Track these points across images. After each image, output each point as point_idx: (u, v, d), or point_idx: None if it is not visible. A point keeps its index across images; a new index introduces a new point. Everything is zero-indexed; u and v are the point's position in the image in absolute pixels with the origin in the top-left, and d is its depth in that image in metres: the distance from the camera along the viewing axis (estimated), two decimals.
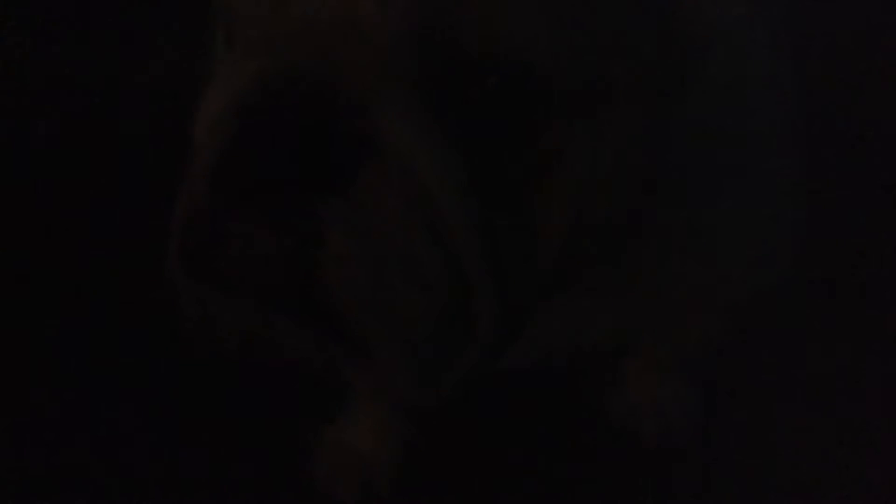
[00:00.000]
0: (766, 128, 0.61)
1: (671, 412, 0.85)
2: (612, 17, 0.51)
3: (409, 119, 0.49)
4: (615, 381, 0.85)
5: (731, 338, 0.74)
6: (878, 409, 0.82)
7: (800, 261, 0.64)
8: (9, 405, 0.85)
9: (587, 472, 0.81)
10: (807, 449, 0.81)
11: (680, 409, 0.85)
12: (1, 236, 0.91)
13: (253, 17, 0.50)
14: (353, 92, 0.48)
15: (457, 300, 0.50)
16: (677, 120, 0.54)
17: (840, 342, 0.84)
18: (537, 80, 0.49)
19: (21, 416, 0.84)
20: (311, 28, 0.49)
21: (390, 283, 0.49)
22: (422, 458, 0.82)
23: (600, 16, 0.51)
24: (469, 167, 0.50)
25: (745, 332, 0.75)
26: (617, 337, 0.69)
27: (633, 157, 0.53)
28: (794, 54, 0.66)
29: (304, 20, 0.49)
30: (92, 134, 0.96)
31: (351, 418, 0.84)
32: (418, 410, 0.78)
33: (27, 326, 0.88)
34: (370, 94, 0.48)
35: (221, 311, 0.51)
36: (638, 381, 0.86)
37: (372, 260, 0.48)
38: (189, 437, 0.83)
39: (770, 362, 0.84)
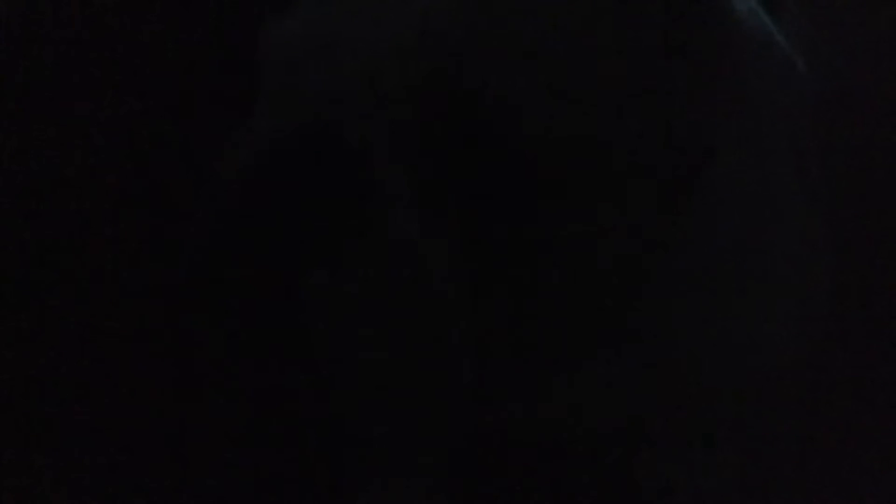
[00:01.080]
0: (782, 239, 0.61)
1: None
2: (616, 108, 0.52)
3: (417, 206, 0.49)
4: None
5: None
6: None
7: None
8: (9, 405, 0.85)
9: None
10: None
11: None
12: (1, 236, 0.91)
13: (285, 80, 0.51)
14: (369, 170, 0.49)
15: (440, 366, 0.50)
16: (681, 220, 0.54)
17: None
18: (538, 154, 0.50)
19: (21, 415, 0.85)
20: (339, 96, 0.49)
21: (380, 346, 0.49)
22: None
23: (602, 105, 0.51)
24: (467, 238, 0.50)
25: None
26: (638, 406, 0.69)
27: (631, 247, 0.53)
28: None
29: (332, 89, 0.49)
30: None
31: None
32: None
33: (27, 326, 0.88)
34: (384, 174, 0.49)
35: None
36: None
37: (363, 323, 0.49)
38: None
39: None
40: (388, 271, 0.52)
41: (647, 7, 0.54)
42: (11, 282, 0.86)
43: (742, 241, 0.60)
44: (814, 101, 0.73)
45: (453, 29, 0.51)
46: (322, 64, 0.53)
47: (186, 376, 0.68)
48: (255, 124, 0.55)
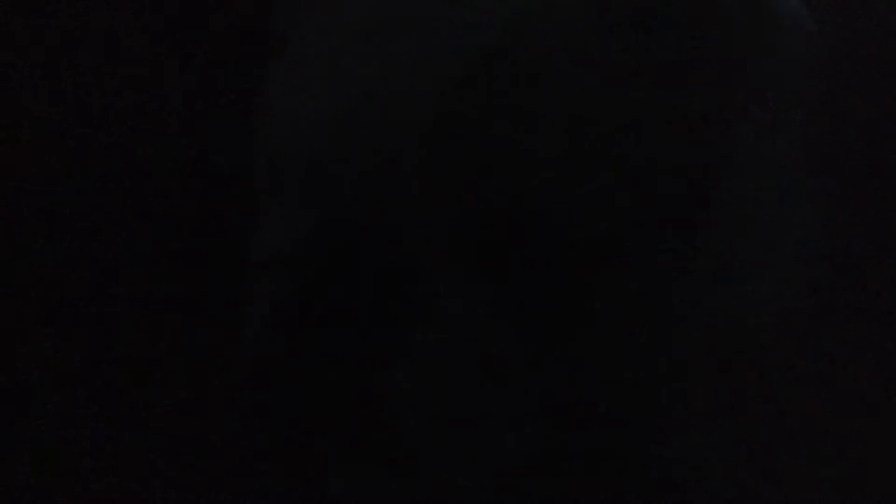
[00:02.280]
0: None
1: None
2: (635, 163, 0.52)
3: (463, 282, 0.50)
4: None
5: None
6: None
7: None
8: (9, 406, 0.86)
9: None
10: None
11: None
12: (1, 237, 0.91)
13: (311, 165, 0.50)
14: (411, 254, 0.49)
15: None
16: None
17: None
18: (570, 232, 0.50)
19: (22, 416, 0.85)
20: (372, 181, 0.49)
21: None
22: None
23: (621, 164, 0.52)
24: (517, 319, 0.50)
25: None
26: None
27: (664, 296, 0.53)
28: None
29: (364, 172, 0.49)
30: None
31: None
32: None
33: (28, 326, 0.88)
34: (427, 256, 0.49)
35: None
36: None
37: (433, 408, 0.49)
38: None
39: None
40: (452, 355, 0.52)
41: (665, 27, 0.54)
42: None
43: (749, 219, 0.60)
44: (823, 69, 0.75)
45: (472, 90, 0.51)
46: (330, 142, 0.53)
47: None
48: (273, 221, 0.54)
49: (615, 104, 0.53)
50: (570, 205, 0.52)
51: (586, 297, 0.53)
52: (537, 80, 0.50)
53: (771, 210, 0.60)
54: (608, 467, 0.56)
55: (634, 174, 0.53)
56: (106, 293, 0.82)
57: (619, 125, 0.53)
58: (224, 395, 0.69)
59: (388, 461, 0.53)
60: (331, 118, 0.52)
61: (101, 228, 0.82)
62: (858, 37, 0.85)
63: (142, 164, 0.78)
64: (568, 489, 0.55)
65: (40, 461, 0.82)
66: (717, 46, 0.56)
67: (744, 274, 0.60)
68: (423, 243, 0.51)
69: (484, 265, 0.52)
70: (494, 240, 0.52)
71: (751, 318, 0.61)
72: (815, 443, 0.82)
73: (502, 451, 0.53)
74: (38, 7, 0.82)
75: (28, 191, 0.84)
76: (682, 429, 0.60)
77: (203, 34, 0.77)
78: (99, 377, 0.83)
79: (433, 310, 0.51)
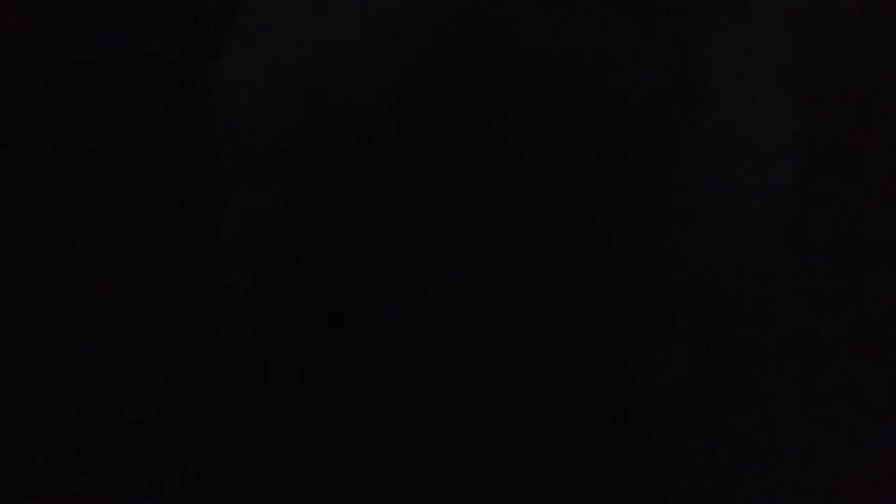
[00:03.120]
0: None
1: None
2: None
3: (439, 256, 0.49)
4: None
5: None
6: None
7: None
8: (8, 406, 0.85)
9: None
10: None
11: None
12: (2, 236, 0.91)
13: (274, 139, 0.49)
14: (385, 228, 0.48)
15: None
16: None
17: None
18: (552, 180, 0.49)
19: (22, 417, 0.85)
20: (340, 154, 0.48)
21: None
22: None
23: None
24: (500, 276, 0.49)
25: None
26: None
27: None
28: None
29: (331, 144, 0.48)
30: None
31: None
32: None
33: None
34: (400, 230, 0.48)
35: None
36: None
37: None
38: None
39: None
40: (431, 333, 0.51)
41: None
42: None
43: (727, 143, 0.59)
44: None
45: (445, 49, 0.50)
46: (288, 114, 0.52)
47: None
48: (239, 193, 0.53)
49: (585, 57, 0.51)
50: (542, 161, 0.51)
51: (564, 264, 0.52)
52: (504, 37, 0.49)
53: (746, 150, 0.59)
54: (594, 427, 0.56)
55: (605, 127, 0.52)
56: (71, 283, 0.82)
57: (589, 77, 0.51)
58: (199, 382, 0.68)
59: (367, 445, 0.53)
60: (290, 88, 0.51)
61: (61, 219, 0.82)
62: None
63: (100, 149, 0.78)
64: (556, 465, 0.54)
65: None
66: None
67: (719, 216, 0.58)
68: (396, 217, 0.50)
69: (458, 236, 0.51)
70: (469, 209, 0.51)
71: (727, 259, 0.60)
72: (793, 386, 0.81)
73: (486, 430, 0.53)
74: None
75: None
76: (662, 376, 0.60)
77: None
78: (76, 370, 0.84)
79: (409, 286, 0.50)
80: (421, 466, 0.56)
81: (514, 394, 0.54)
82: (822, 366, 0.83)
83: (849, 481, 0.81)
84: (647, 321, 0.58)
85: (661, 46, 0.54)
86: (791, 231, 0.76)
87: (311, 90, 0.50)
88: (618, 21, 0.52)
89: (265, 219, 0.52)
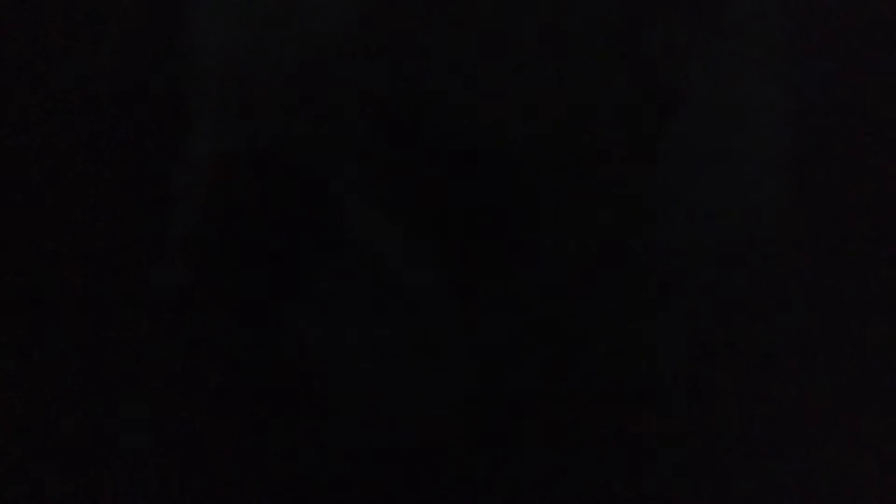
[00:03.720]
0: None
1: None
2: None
3: (376, 202, 0.48)
4: None
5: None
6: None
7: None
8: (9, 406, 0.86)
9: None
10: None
11: None
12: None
13: (217, 88, 0.49)
14: (322, 180, 0.48)
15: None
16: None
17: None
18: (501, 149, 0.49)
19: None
20: (279, 105, 0.48)
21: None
22: None
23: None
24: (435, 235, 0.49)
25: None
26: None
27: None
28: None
29: (271, 94, 0.48)
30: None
31: None
32: None
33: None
34: (338, 183, 0.48)
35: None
36: None
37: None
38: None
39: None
40: (368, 281, 0.51)
41: None
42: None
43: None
44: None
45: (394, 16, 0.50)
46: (247, 71, 0.52)
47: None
48: (191, 144, 0.53)
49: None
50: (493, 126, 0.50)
51: (509, 225, 0.52)
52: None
53: (739, 132, 0.58)
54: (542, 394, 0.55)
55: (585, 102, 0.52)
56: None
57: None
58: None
59: (298, 400, 0.52)
60: (235, 39, 0.51)
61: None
62: None
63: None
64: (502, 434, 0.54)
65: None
66: None
67: (712, 198, 0.58)
68: (333, 169, 0.49)
69: (398, 194, 0.50)
70: (409, 167, 0.50)
71: (720, 239, 0.60)
72: (789, 360, 0.81)
73: (422, 389, 0.52)
74: None
75: None
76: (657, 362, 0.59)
77: None
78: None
79: (345, 241, 0.49)
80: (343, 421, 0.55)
81: (450, 361, 0.54)
82: (822, 354, 0.82)
83: (850, 474, 0.81)
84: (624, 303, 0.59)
85: (650, 42, 0.53)
86: (788, 222, 0.75)
87: (261, 40, 0.50)
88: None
89: (209, 162, 0.52)
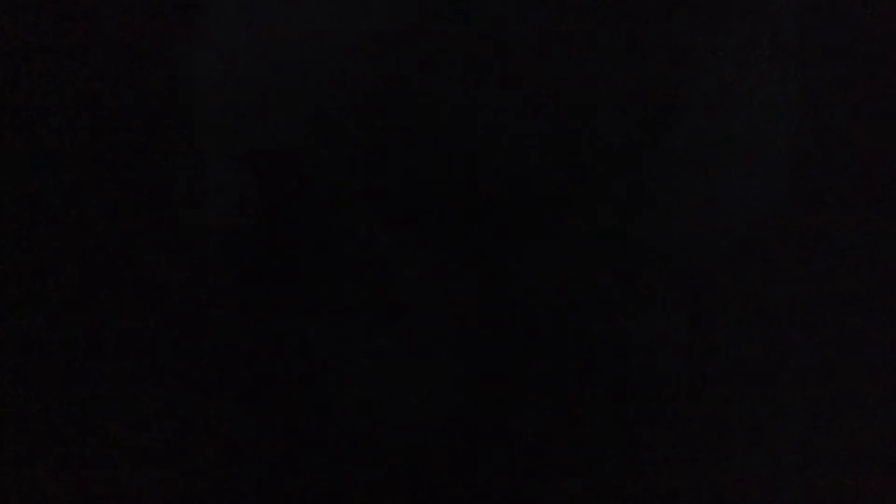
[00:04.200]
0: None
1: None
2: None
3: (392, 217, 0.49)
4: None
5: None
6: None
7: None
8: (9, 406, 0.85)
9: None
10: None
11: None
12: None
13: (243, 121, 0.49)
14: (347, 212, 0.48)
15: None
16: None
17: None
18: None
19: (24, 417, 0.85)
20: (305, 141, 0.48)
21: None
22: None
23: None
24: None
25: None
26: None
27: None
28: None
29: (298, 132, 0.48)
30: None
31: None
32: None
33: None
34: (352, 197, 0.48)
35: None
36: None
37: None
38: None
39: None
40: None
41: None
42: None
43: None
44: None
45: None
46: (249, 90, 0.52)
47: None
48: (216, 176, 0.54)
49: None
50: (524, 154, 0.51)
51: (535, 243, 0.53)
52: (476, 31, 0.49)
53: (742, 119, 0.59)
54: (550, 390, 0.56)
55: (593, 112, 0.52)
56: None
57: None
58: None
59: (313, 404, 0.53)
60: (260, 74, 0.51)
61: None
62: None
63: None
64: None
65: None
66: None
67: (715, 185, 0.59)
68: (357, 203, 0.50)
69: (419, 221, 0.51)
70: (436, 201, 0.51)
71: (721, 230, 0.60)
72: (788, 346, 0.81)
73: (441, 399, 0.53)
74: None
75: None
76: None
77: None
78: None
79: (373, 265, 0.50)
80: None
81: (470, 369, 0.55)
82: (821, 341, 0.82)
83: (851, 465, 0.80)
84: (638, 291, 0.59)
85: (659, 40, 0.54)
86: (788, 222, 0.75)
87: (281, 74, 0.50)
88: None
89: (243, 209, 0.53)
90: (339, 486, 0.72)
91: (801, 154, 0.75)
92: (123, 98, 0.77)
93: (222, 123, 0.52)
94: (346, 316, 0.53)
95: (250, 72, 0.51)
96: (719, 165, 0.61)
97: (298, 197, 0.52)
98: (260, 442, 0.63)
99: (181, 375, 0.80)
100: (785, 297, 0.79)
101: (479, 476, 0.79)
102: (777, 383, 0.78)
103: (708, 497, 0.76)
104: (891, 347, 0.81)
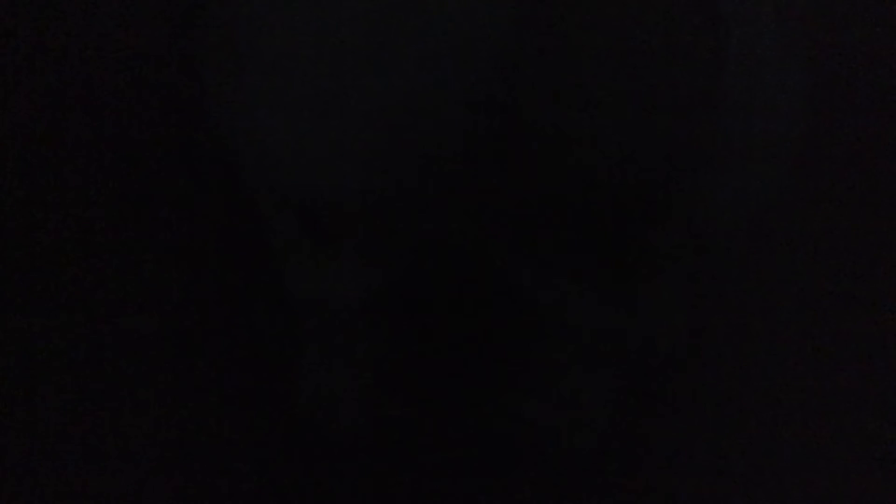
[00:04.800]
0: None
1: None
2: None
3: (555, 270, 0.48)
4: None
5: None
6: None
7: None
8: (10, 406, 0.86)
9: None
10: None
11: None
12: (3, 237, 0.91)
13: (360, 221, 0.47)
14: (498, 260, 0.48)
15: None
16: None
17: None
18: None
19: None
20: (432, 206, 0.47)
21: None
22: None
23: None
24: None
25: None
26: None
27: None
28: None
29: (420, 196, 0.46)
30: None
31: None
32: None
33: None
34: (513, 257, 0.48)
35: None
36: None
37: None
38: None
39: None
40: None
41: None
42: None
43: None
44: None
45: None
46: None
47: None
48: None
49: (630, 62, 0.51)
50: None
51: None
52: (557, 56, 0.48)
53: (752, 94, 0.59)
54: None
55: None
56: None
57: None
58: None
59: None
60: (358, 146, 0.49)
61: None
62: None
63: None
64: None
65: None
66: None
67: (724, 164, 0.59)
68: (503, 245, 0.49)
69: (563, 248, 0.50)
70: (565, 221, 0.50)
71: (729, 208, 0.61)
72: (795, 327, 0.82)
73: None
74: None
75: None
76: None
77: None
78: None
79: (537, 309, 0.50)
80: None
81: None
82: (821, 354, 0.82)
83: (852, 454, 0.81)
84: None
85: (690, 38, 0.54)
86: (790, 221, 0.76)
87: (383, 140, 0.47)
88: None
89: (375, 295, 0.50)
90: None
91: (803, 153, 0.77)
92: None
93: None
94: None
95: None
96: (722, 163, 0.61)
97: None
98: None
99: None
100: (784, 298, 0.81)
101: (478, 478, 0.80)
102: (776, 383, 0.80)
103: (707, 497, 0.77)
104: (891, 347, 0.82)
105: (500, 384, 0.51)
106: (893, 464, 0.79)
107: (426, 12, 0.46)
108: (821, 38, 0.80)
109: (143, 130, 0.89)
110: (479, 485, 0.60)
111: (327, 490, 0.73)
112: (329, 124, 0.47)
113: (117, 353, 0.85)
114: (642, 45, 0.51)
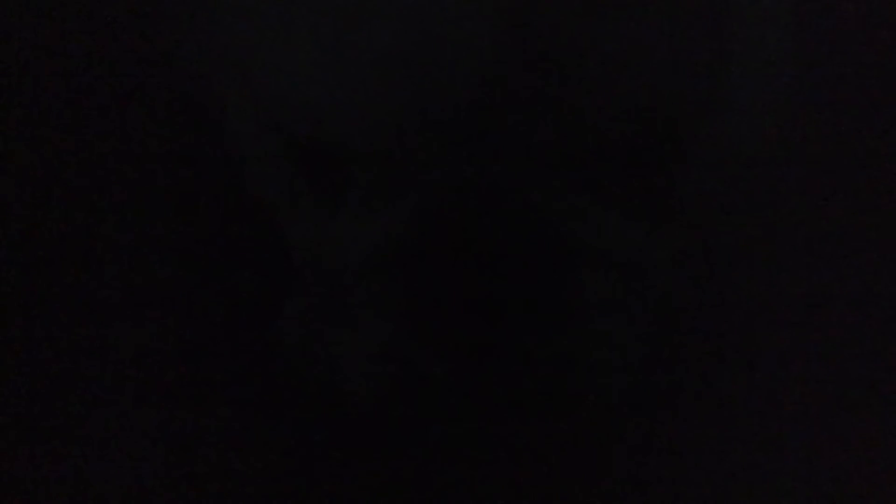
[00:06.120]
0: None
1: None
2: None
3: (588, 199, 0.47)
4: None
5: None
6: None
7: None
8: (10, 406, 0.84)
9: None
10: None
11: None
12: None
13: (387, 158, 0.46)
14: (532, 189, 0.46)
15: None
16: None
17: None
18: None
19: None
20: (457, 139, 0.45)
21: None
22: None
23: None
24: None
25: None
26: None
27: None
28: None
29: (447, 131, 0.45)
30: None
31: None
32: None
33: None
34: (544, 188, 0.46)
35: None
36: None
37: None
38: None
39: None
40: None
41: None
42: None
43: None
44: None
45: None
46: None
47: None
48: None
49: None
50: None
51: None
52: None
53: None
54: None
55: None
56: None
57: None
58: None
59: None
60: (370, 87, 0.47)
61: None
62: None
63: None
64: None
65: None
66: None
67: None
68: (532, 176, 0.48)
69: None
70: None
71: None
72: (792, 287, 0.80)
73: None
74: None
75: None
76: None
77: None
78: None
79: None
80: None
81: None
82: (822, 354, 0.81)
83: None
84: None
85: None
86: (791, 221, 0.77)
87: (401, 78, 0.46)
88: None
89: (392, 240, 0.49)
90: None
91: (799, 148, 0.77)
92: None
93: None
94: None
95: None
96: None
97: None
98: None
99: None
100: (785, 297, 0.80)
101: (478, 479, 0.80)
102: (776, 383, 0.78)
103: (708, 497, 0.76)
104: (891, 348, 0.81)
105: (530, 325, 0.50)
106: (893, 464, 0.78)
107: None
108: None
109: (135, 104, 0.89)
110: (509, 431, 0.59)
111: (350, 454, 0.71)
112: (337, 57, 0.46)
113: (118, 343, 0.84)
114: None
